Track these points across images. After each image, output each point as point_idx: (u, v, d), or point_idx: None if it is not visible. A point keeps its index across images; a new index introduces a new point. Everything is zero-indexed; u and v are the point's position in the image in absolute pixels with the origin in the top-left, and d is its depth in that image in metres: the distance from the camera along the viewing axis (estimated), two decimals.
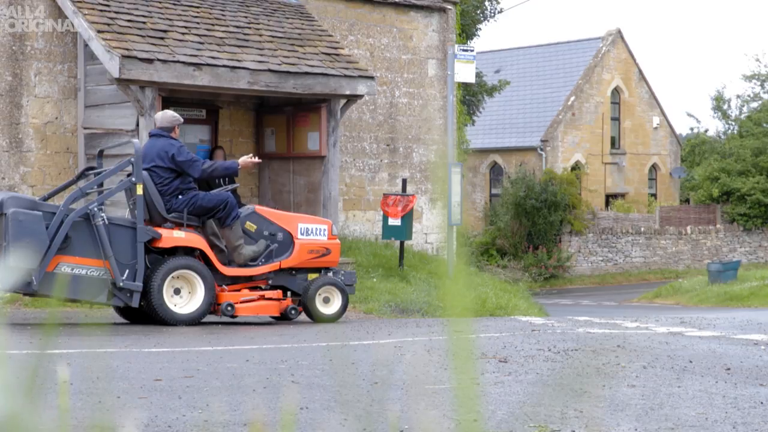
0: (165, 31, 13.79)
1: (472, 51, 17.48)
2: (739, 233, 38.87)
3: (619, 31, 43.35)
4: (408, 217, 15.29)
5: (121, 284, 9.30)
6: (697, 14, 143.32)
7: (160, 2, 14.61)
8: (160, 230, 9.66)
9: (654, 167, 44.21)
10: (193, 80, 13.31)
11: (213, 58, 13.61)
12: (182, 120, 10.38)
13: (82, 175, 10.66)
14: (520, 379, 5.79)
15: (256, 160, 10.62)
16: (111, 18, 13.54)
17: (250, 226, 10.29)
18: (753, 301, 24.60)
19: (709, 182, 39.18)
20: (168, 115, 10.18)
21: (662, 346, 7.62)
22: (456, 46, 17.47)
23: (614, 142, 42.86)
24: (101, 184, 10.12)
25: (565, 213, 36.00)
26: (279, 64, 14.22)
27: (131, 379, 5.77)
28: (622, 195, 42.52)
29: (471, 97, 31.24)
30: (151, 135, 10.21)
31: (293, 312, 10.28)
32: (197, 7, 14.99)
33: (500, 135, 42.67)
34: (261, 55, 14.30)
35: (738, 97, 47.47)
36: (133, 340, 8.40)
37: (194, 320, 9.71)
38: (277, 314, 10.33)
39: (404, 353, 7.31)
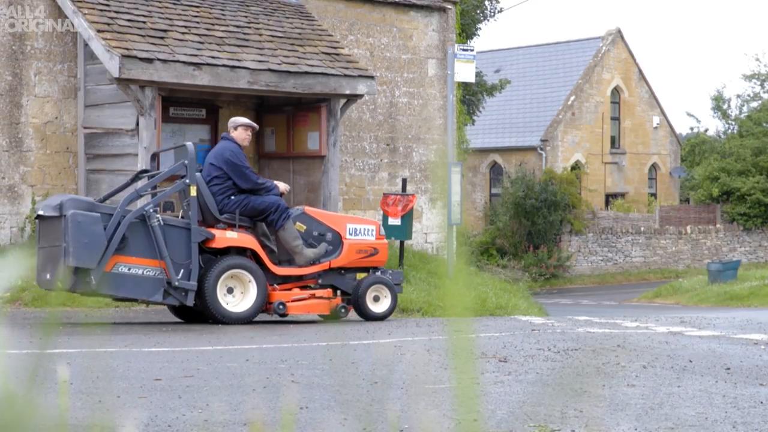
0: (165, 31, 13.79)
1: (472, 50, 17.47)
2: (739, 233, 38.86)
3: (619, 31, 43.34)
4: (408, 217, 15.27)
5: (177, 283, 9.48)
6: (697, 14, 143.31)
7: (160, 2, 14.61)
8: (213, 231, 9.85)
9: (654, 167, 44.21)
10: (193, 80, 13.31)
11: (213, 57, 13.61)
12: (242, 123, 10.55)
13: (136, 178, 10.84)
14: (520, 379, 5.79)
15: (288, 188, 10.96)
16: (111, 18, 13.54)
17: (300, 226, 10.45)
18: (753, 301, 24.59)
19: (709, 182, 39.17)
20: (232, 119, 10.56)
21: (662, 345, 7.62)
22: (456, 45, 17.47)
23: (614, 142, 42.86)
24: (155, 186, 10.32)
25: (565, 213, 35.99)
26: (279, 64, 14.22)
27: (131, 379, 5.77)
28: (622, 195, 42.51)
29: (471, 96, 31.24)
30: (221, 138, 10.55)
31: (343, 311, 10.44)
32: (197, 7, 14.99)
33: (500, 135, 42.66)
34: (261, 54, 14.31)
35: (738, 96, 47.47)
36: (133, 339, 8.40)
37: (247, 319, 9.86)
38: (327, 313, 10.47)
39: (404, 353, 7.31)
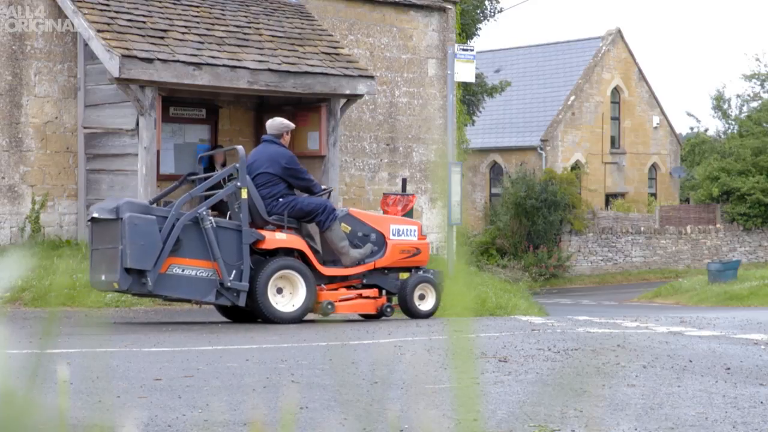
0: (165, 31, 13.79)
1: (472, 50, 17.47)
2: (739, 233, 38.86)
3: (619, 31, 43.35)
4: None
5: (229, 284, 9.62)
6: (697, 14, 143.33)
7: (160, 2, 14.61)
8: (263, 232, 9.98)
9: (654, 167, 44.21)
10: (193, 80, 13.32)
11: (213, 57, 13.61)
12: (292, 126, 10.76)
13: (184, 180, 11.05)
14: (520, 379, 5.79)
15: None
16: (111, 17, 13.54)
17: (345, 227, 10.59)
18: (753, 301, 24.59)
19: (709, 182, 39.16)
20: (277, 122, 10.56)
21: (662, 345, 7.62)
22: (456, 45, 17.47)
23: (614, 142, 42.87)
24: (203, 189, 10.42)
25: (565, 212, 35.99)
26: (279, 64, 14.22)
27: (131, 379, 5.77)
28: (622, 194, 42.52)
29: (471, 96, 31.24)
30: (262, 140, 10.58)
31: (389, 310, 10.63)
32: (197, 7, 14.99)
33: (500, 134, 42.66)
34: (261, 54, 14.31)
35: (738, 96, 47.51)
36: (133, 339, 8.40)
37: (297, 318, 9.99)
38: (373, 312, 10.64)
39: (404, 353, 7.31)
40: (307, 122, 15.41)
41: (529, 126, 41.91)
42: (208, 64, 13.42)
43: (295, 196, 10.32)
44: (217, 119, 16.09)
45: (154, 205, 10.08)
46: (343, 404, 4.96)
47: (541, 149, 40.66)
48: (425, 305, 10.80)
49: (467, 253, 28.16)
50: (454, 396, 4.94)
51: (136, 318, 10.92)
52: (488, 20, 31.67)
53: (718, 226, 38.84)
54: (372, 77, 15.05)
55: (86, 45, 13.77)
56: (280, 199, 10.16)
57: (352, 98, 14.99)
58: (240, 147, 10.27)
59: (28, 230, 14.13)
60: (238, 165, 9.96)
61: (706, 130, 48.08)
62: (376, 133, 17.78)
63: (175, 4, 14.77)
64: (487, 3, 31.18)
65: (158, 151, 13.53)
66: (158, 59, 12.96)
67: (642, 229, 38.10)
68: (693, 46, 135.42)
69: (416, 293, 10.74)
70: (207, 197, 10.20)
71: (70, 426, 4.07)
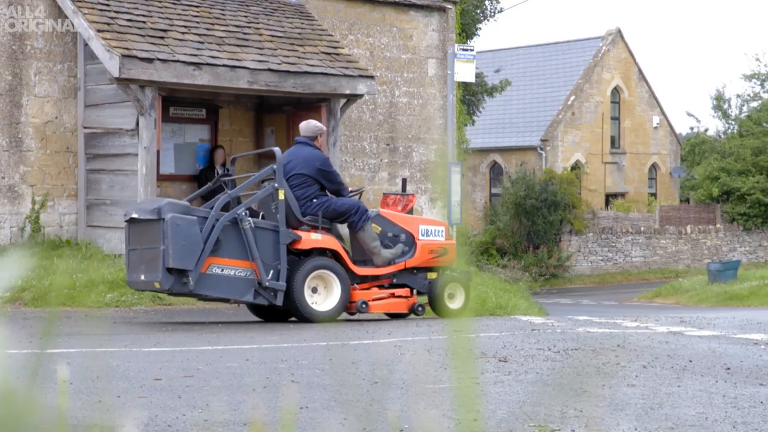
0: (165, 31, 13.79)
1: (472, 50, 17.47)
2: (739, 233, 38.86)
3: (619, 31, 43.35)
4: None
5: (267, 284, 9.77)
6: (697, 14, 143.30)
7: (160, 2, 14.61)
8: (299, 233, 10.14)
9: (654, 167, 44.21)
10: (193, 80, 13.32)
11: (213, 57, 13.61)
12: (324, 129, 10.93)
13: (217, 181, 11.19)
14: (520, 379, 5.79)
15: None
16: (111, 17, 13.54)
17: (375, 228, 10.77)
18: (753, 301, 24.59)
19: (709, 182, 39.15)
20: (311, 125, 10.74)
21: (662, 345, 7.62)
22: (456, 45, 17.47)
23: (614, 142, 42.87)
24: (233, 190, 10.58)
25: (565, 212, 35.99)
26: (279, 64, 14.22)
27: (131, 379, 5.77)
28: (622, 194, 42.52)
29: (471, 96, 31.24)
30: (296, 142, 10.74)
31: (420, 309, 10.84)
32: (197, 7, 14.99)
33: (500, 134, 42.66)
34: (261, 54, 14.31)
35: (738, 96, 47.51)
36: (133, 339, 8.40)
37: (332, 317, 10.15)
38: (405, 311, 10.83)
39: (404, 353, 7.31)
40: None
41: (529, 126, 41.91)
42: (208, 64, 13.42)
43: (329, 197, 10.49)
44: (217, 119, 16.09)
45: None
46: (343, 404, 4.96)
47: (541, 149, 40.66)
48: (454, 304, 10.97)
49: (467, 253, 28.17)
50: (454, 396, 4.94)
51: (136, 318, 10.92)
52: (488, 20, 31.68)
53: (718, 226, 38.84)
54: (372, 77, 15.05)
55: (86, 45, 13.76)
56: (314, 200, 10.32)
57: (352, 98, 14.99)
58: (277, 149, 10.48)
59: (28, 230, 14.13)
60: (275, 166, 10.13)
61: (706, 130, 48.10)
62: (376, 133, 17.78)
63: (175, 4, 14.77)
64: (487, 3, 31.18)
65: (158, 151, 13.53)
66: (158, 59, 12.96)
67: (642, 229, 38.10)
68: (693, 46, 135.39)
69: (446, 292, 10.92)
70: (211, 198, 10.34)
71: (70, 426, 4.07)
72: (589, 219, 37.36)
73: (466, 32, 27.42)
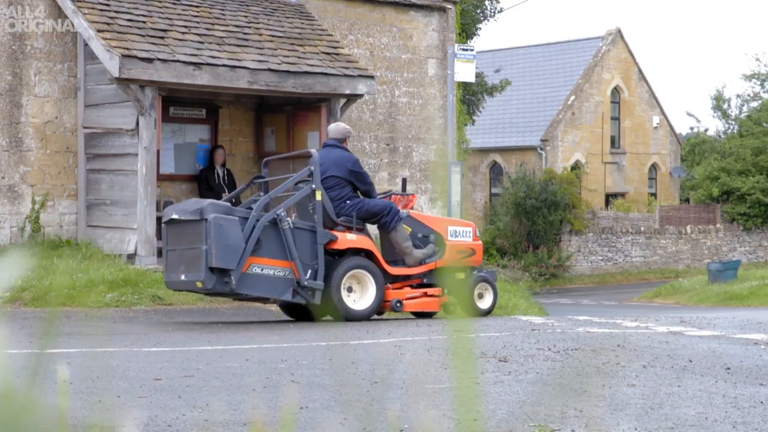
0: (165, 31, 13.79)
1: (472, 50, 17.48)
2: (739, 233, 38.85)
3: (619, 31, 43.35)
4: None
5: (306, 283, 9.93)
6: (697, 14, 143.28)
7: (160, 2, 14.61)
8: (335, 233, 10.31)
9: (654, 167, 44.21)
10: (193, 80, 13.32)
11: (213, 57, 13.61)
12: (352, 132, 11.24)
13: (250, 183, 11.36)
14: (520, 379, 5.79)
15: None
16: (111, 17, 13.54)
17: (405, 228, 10.94)
18: (753, 301, 24.59)
19: (709, 182, 39.15)
20: (341, 128, 10.98)
21: (662, 345, 7.62)
22: (456, 45, 17.47)
23: (614, 142, 42.86)
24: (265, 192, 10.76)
25: (565, 212, 35.98)
26: (279, 64, 14.22)
27: (131, 379, 5.77)
28: (622, 194, 42.51)
29: (471, 96, 31.24)
30: (325, 145, 10.92)
31: (452, 307, 11.10)
32: (197, 7, 14.99)
33: (500, 134, 42.66)
34: (261, 54, 14.31)
35: (738, 96, 47.52)
36: (133, 339, 8.40)
37: (367, 316, 10.36)
38: (437, 310, 11.05)
39: (404, 353, 7.31)
40: (307, 122, 15.41)
41: (529, 126, 41.90)
42: (208, 64, 13.42)
43: (361, 198, 10.66)
44: (217, 119, 16.09)
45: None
46: (343, 404, 4.96)
47: (541, 149, 40.66)
48: (484, 304, 11.24)
49: None
50: (454, 396, 4.94)
51: (136, 318, 10.93)
52: (488, 20, 31.69)
53: (718, 226, 38.83)
54: (372, 77, 15.05)
55: (86, 45, 13.76)
56: (348, 201, 10.52)
57: (352, 98, 14.99)
58: (314, 150, 10.69)
59: (28, 230, 14.13)
60: (311, 167, 10.27)
61: (706, 130, 48.10)
62: (376, 133, 17.78)
63: (175, 4, 14.77)
64: (487, 3, 31.18)
65: (158, 151, 13.53)
66: (158, 59, 12.96)
67: (642, 229, 38.09)
68: (693, 46, 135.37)
69: (476, 292, 11.16)
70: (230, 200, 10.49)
71: (70, 426, 4.07)
72: (589, 219, 37.35)
73: (466, 32, 27.41)
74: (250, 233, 9.64)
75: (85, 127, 14.36)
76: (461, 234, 11.28)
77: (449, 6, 18.67)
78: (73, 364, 6.35)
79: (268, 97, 15.77)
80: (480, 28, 31.48)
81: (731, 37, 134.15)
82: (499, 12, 31.68)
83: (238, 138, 16.36)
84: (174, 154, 15.64)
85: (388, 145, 17.87)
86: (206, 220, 9.46)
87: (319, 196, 10.19)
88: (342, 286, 10.21)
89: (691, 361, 6.63)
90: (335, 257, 10.31)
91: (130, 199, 13.47)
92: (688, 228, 38.43)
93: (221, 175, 15.50)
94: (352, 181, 10.55)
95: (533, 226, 35.39)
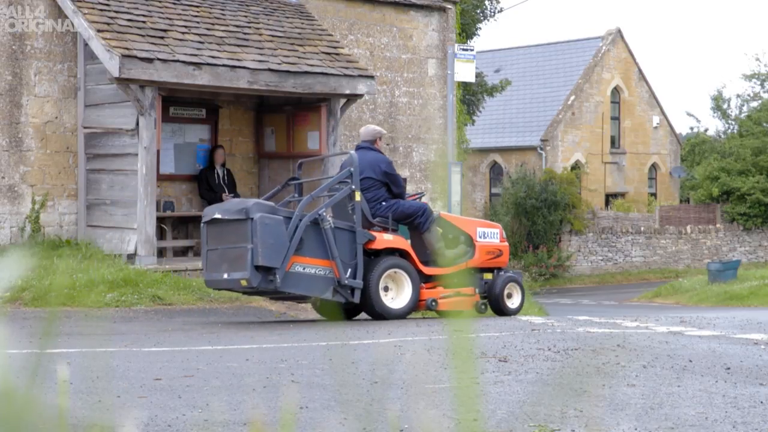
0: (165, 31, 13.79)
1: (472, 50, 17.48)
2: (739, 233, 38.85)
3: (619, 31, 43.34)
4: None
5: (346, 282, 10.12)
6: (697, 14, 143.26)
7: (160, 2, 14.61)
8: (373, 233, 10.51)
9: (654, 167, 44.20)
10: (193, 79, 13.31)
11: (213, 57, 13.61)
12: (384, 132, 11.34)
13: (286, 184, 11.52)
14: (519, 379, 5.79)
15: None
16: (111, 17, 13.53)
17: (436, 230, 11.14)
18: (753, 301, 24.58)
19: (709, 182, 39.15)
20: (370, 129, 11.20)
21: (662, 345, 7.62)
22: (456, 45, 17.47)
23: (614, 142, 42.86)
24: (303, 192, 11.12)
25: (565, 212, 35.98)
26: (279, 64, 14.22)
27: (131, 379, 5.77)
28: (622, 194, 42.51)
29: (471, 96, 31.23)
30: (358, 147, 11.06)
31: (483, 307, 11.31)
32: (197, 7, 14.99)
33: (500, 134, 42.66)
34: (261, 54, 14.30)
35: (738, 96, 47.52)
36: (133, 339, 8.40)
37: (404, 314, 10.55)
38: (469, 309, 11.26)
39: (404, 353, 7.31)
40: (307, 122, 15.41)
41: (529, 126, 41.90)
42: (208, 64, 13.41)
43: (396, 200, 10.85)
44: (217, 119, 16.09)
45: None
46: (343, 404, 4.96)
47: (541, 149, 40.66)
48: (512, 303, 11.45)
49: None
50: (454, 396, 4.94)
51: (136, 318, 10.93)
52: (488, 20, 31.68)
53: (718, 226, 38.83)
54: (372, 77, 15.05)
55: (86, 45, 13.76)
56: (383, 203, 10.72)
57: (352, 98, 14.99)
58: (353, 152, 10.82)
59: (28, 230, 14.13)
60: (351, 168, 10.45)
61: (706, 130, 48.11)
62: None
63: (175, 4, 14.76)
64: (487, 3, 31.18)
65: (158, 151, 13.53)
66: (158, 59, 12.96)
67: (642, 229, 38.08)
68: (693, 46, 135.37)
69: (506, 292, 11.38)
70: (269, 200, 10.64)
71: (70, 426, 4.07)
72: (589, 219, 37.35)
73: (466, 32, 27.41)
74: (293, 232, 9.78)
75: (85, 127, 14.35)
76: (489, 235, 11.49)
77: (449, 6, 18.67)
78: (73, 364, 6.35)
79: (268, 97, 15.77)
80: (480, 28, 31.49)
81: (731, 37, 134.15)
82: (499, 12, 31.69)
83: (238, 138, 16.36)
84: (174, 154, 15.65)
85: (388, 145, 17.86)
86: (252, 219, 9.59)
87: (358, 197, 10.39)
88: (380, 285, 10.39)
89: (691, 361, 6.62)
90: (371, 257, 10.49)
91: (130, 199, 13.46)
92: (688, 228, 38.43)
93: (221, 175, 15.50)
94: (387, 183, 10.74)
95: (533, 226, 35.39)
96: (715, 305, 24.62)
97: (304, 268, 9.90)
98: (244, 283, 9.72)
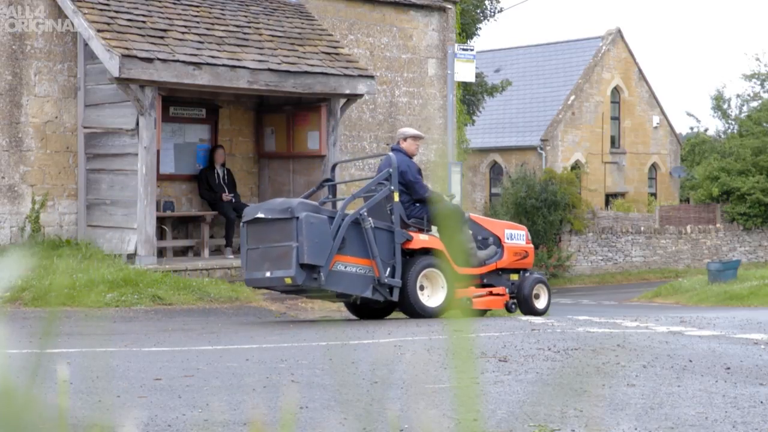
0: (165, 31, 13.79)
1: (472, 50, 17.48)
2: (739, 232, 38.84)
3: (619, 31, 43.33)
4: None
5: (385, 280, 10.35)
6: (697, 14, 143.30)
7: (160, 2, 14.61)
8: (410, 233, 10.71)
9: (654, 166, 44.20)
10: (193, 79, 13.31)
11: (213, 57, 13.61)
12: (412, 133, 11.37)
13: (321, 185, 11.81)
14: (519, 379, 5.79)
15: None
16: (111, 17, 13.53)
17: (468, 231, 11.41)
18: (753, 301, 24.56)
19: (709, 181, 39.13)
20: (399, 131, 11.50)
21: (662, 345, 7.62)
22: (456, 45, 17.47)
23: (614, 142, 42.85)
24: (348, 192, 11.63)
25: (565, 212, 35.96)
26: (279, 64, 14.22)
27: (131, 379, 5.77)
28: (622, 194, 42.50)
29: (471, 96, 31.23)
30: (392, 149, 11.30)
31: (513, 306, 11.61)
32: (197, 7, 14.99)
33: (500, 134, 42.65)
34: (261, 54, 14.30)
35: (738, 96, 47.50)
36: (133, 339, 8.40)
37: (440, 313, 10.72)
38: (501, 308, 11.60)
39: (404, 352, 7.30)
40: (307, 122, 15.41)
41: (529, 126, 41.89)
42: (208, 64, 13.41)
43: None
44: (217, 119, 16.09)
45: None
46: (343, 404, 4.96)
47: (541, 149, 40.65)
48: (540, 304, 11.72)
49: None
50: (454, 396, 4.94)
51: (136, 318, 10.93)
52: (488, 20, 31.67)
53: (718, 225, 38.82)
54: (372, 77, 15.05)
55: (86, 45, 13.76)
56: (417, 204, 10.93)
57: (352, 98, 14.99)
58: (392, 154, 11.01)
59: (28, 230, 14.13)
60: (390, 169, 10.65)
61: (706, 130, 48.09)
62: (376, 133, 17.78)
63: (175, 3, 14.76)
64: (487, 3, 31.17)
65: (158, 151, 13.53)
66: (158, 59, 12.96)
67: (642, 228, 38.08)
68: (693, 46, 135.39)
69: (534, 293, 11.67)
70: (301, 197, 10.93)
71: (70, 426, 4.07)
72: (589, 219, 37.33)
73: (466, 32, 27.41)
74: (336, 231, 9.95)
75: (85, 127, 14.35)
76: (516, 237, 11.80)
77: (449, 6, 18.67)
78: (73, 364, 6.35)
79: (268, 97, 15.77)
80: (480, 28, 31.48)
81: (731, 37, 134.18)
82: (499, 12, 31.68)
83: (238, 138, 16.36)
84: (174, 154, 15.65)
85: (388, 144, 17.86)
86: (297, 218, 9.75)
87: (397, 197, 10.59)
88: (417, 284, 10.58)
89: (691, 361, 6.62)
90: (407, 257, 10.67)
91: (130, 199, 13.46)
92: (688, 228, 38.42)
93: (221, 174, 15.50)
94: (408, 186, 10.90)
95: (533, 226, 35.35)
96: (715, 305, 24.61)
97: (345, 267, 10.09)
98: (288, 281, 9.84)
